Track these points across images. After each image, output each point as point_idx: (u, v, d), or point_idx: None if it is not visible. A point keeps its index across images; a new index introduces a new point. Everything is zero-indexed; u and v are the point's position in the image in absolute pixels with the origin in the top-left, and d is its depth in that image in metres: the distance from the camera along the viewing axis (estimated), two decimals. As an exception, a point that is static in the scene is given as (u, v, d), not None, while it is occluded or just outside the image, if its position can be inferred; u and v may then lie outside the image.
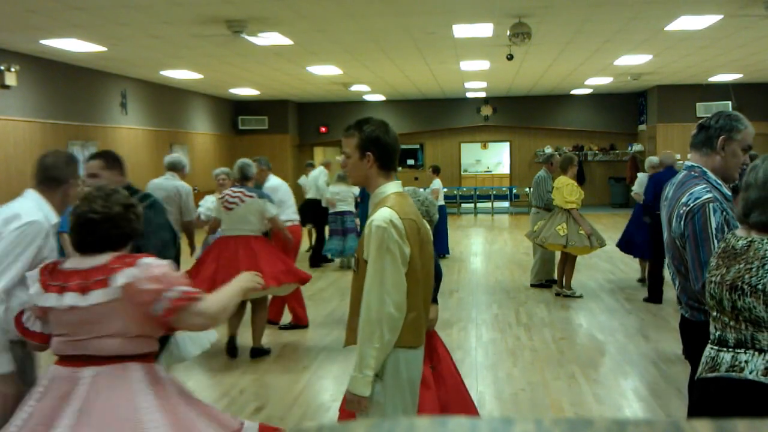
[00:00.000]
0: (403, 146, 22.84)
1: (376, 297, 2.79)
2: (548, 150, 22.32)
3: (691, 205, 3.09)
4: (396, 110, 22.75)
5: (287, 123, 22.25)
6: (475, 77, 17.07)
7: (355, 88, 18.50)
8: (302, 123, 23.29)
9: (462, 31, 10.73)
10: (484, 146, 26.30)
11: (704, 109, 19.74)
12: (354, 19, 9.84)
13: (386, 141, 2.97)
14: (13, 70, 11.42)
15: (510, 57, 11.52)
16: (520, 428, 0.82)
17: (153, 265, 2.73)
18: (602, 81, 18.24)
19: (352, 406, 2.84)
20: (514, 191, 22.73)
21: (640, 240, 9.29)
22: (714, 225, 3.02)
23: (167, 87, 17.33)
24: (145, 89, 16.33)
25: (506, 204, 22.90)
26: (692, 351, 3.34)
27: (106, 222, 2.80)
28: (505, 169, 25.22)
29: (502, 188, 23.50)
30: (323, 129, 23.12)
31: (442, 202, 12.28)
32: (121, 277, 2.66)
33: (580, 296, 9.13)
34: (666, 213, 3.32)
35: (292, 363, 6.55)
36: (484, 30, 10.65)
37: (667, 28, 10.81)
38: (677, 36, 11.50)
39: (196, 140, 19.41)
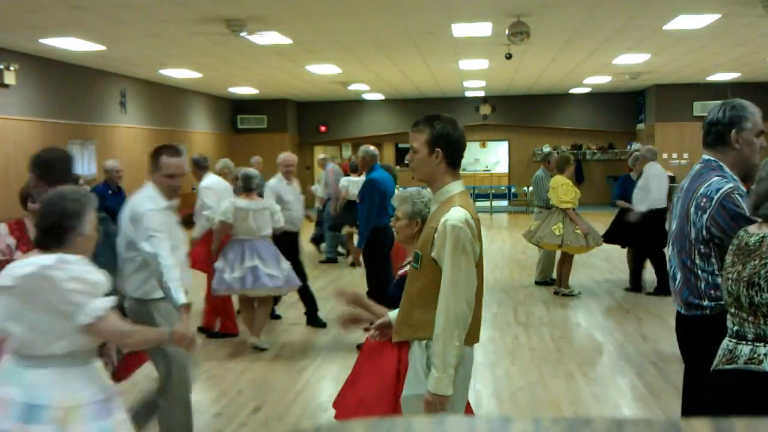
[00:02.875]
0: (403, 145, 22.95)
1: (455, 297, 2.81)
2: (546, 149, 22.34)
3: (714, 196, 3.07)
4: (395, 109, 22.76)
5: (286, 122, 22.25)
6: (474, 76, 17.08)
7: (354, 87, 18.51)
8: (301, 122, 23.29)
9: (461, 30, 10.74)
10: (483, 145, 26.30)
11: (702, 108, 19.79)
12: (353, 19, 9.85)
13: (456, 138, 2.95)
14: (12, 69, 11.42)
15: (509, 56, 11.53)
16: (519, 427, 0.83)
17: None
18: (601, 80, 18.25)
19: (432, 408, 2.81)
20: (513, 190, 22.74)
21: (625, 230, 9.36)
22: (747, 210, 2.92)
23: (166, 86, 17.33)
24: (144, 88, 16.33)
25: (505, 203, 22.91)
26: (688, 347, 3.48)
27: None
28: (503, 168, 25.22)
29: (500, 187, 23.51)
30: (323, 128, 23.12)
31: None
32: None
33: (579, 294, 9.15)
34: (681, 204, 3.27)
35: (291, 363, 6.56)
36: (482, 29, 10.66)
37: (665, 28, 10.82)
38: (675, 35, 11.52)
39: (195, 139, 19.40)
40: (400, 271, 3.73)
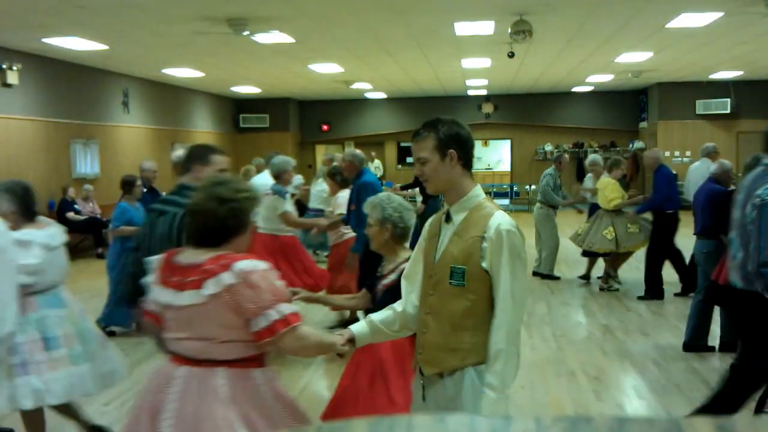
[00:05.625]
0: (404, 144, 22.96)
1: (514, 309, 2.58)
2: (548, 147, 22.35)
3: (766, 198, 3.77)
4: (397, 108, 22.76)
5: (289, 121, 22.26)
6: (477, 75, 17.08)
7: (356, 86, 18.52)
8: (304, 121, 23.30)
9: (463, 28, 10.75)
10: (485, 144, 26.30)
11: (704, 107, 19.78)
12: (356, 17, 9.86)
13: (466, 136, 2.72)
14: (15, 68, 11.45)
15: (511, 54, 11.53)
16: (520, 426, 0.84)
17: (249, 271, 2.54)
18: (603, 78, 18.24)
19: None
20: (515, 189, 22.74)
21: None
22: None
23: (169, 85, 17.35)
24: (146, 88, 16.35)
25: (507, 201, 22.91)
26: (741, 318, 4.30)
27: (200, 215, 2.68)
28: (505, 166, 25.22)
29: (502, 186, 23.51)
30: (325, 127, 23.14)
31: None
32: (213, 285, 2.51)
33: (619, 287, 9.32)
34: (742, 198, 4.02)
35: (293, 362, 6.57)
36: (485, 28, 10.66)
37: (668, 26, 10.82)
38: (678, 33, 11.51)
39: (198, 138, 19.40)
40: (386, 281, 3.69)
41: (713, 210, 6.41)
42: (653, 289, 8.73)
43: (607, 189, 9.02)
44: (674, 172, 9.38)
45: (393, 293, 3.25)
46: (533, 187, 20.55)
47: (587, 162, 9.93)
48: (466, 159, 2.70)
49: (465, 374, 2.65)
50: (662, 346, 6.78)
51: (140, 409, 2.67)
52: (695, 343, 6.49)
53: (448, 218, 2.72)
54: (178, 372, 2.60)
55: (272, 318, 2.52)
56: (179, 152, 7.88)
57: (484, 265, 2.58)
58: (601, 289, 9.29)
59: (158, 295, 2.68)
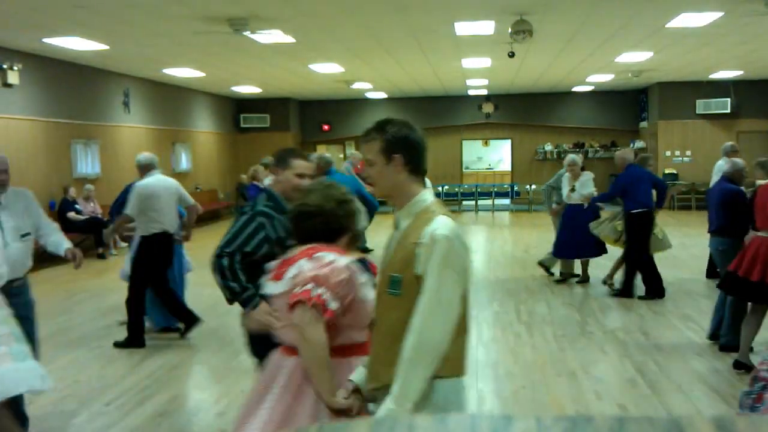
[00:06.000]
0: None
1: (433, 318, 2.38)
2: (548, 147, 22.36)
3: None
4: (398, 108, 22.75)
5: (289, 121, 22.27)
6: (477, 74, 17.09)
7: (357, 85, 18.52)
8: (304, 121, 23.32)
9: (464, 28, 10.76)
10: (486, 143, 26.31)
11: (704, 106, 19.79)
12: (356, 17, 9.87)
13: (415, 140, 2.59)
14: (15, 68, 11.46)
15: (511, 54, 11.55)
16: (521, 426, 0.85)
17: (326, 259, 2.73)
18: (603, 78, 18.25)
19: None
20: (515, 188, 22.75)
21: (581, 241, 9.34)
22: None
23: (169, 85, 17.36)
24: (147, 88, 16.36)
25: (507, 201, 22.91)
26: None
27: (320, 216, 2.91)
28: (506, 166, 25.22)
29: (503, 185, 23.51)
30: (326, 127, 23.15)
31: None
32: (293, 269, 2.73)
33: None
34: None
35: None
36: (485, 27, 10.67)
37: (668, 25, 10.82)
38: (678, 33, 11.52)
39: (198, 138, 19.44)
40: None
41: (726, 208, 6.60)
42: (653, 288, 8.75)
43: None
44: (660, 175, 9.42)
45: None
46: (534, 186, 20.56)
47: (565, 162, 9.83)
48: (415, 164, 2.56)
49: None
50: (663, 346, 6.79)
51: (252, 396, 2.83)
52: (733, 343, 6.26)
53: (397, 225, 2.60)
54: (286, 362, 2.78)
55: (306, 288, 2.63)
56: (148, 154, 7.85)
57: (418, 271, 2.43)
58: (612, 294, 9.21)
59: (267, 288, 2.94)
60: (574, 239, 9.42)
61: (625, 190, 8.75)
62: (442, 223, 2.43)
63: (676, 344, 6.73)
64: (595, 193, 9.52)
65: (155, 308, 7.46)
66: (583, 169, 9.64)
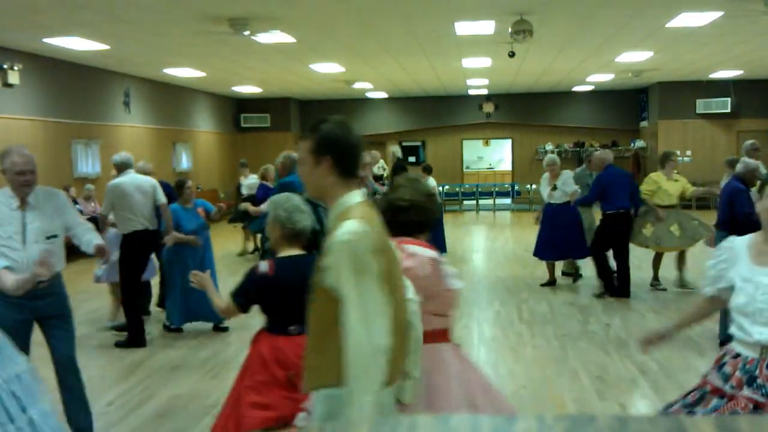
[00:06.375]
0: (405, 143, 22.94)
1: (365, 329, 2.28)
2: (549, 147, 22.36)
3: None
4: (398, 107, 22.77)
5: (289, 121, 22.28)
6: (477, 74, 17.09)
7: (357, 85, 18.53)
8: (305, 121, 23.31)
9: (464, 28, 10.76)
10: (486, 143, 26.32)
11: (704, 106, 19.79)
12: (357, 17, 9.87)
13: (347, 143, 2.49)
14: (16, 68, 11.46)
15: (512, 54, 11.55)
16: (523, 425, 0.86)
17: (410, 251, 2.94)
18: (603, 78, 18.25)
19: None
20: (516, 188, 22.75)
21: (563, 241, 9.26)
22: None
23: (170, 85, 17.37)
24: (148, 87, 16.37)
25: (508, 201, 22.92)
26: None
27: (412, 209, 3.11)
28: (506, 165, 25.24)
29: (504, 185, 23.51)
30: (325, 126, 23.15)
31: (438, 201, 11.91)
32: None
33: (664, 289, 9.29)
34: None
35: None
36: (485, 27, 10.68)
37: (668, 25, 10.82)
38: (678, 32, 11.52)
39: (199, 138, 19.44)
40: None
41: (729, 206, 6.87)
42: (611, 286, 8.97)
43: (645, 182, 9.10)
44: (626, 174, 9.33)
45: None
46: (534, 186, 20.55)
47: (545, 162, 9.78)
48: (345, 166, 2.46)
49: (314, 397, 2.49)
50: (664, 346, 6.78)
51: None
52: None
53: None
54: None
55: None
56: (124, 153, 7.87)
57: (326, 281, 2.36)
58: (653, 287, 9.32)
59: None
60: (555, 240, 9.32)
61: (604, 191, 8.83)
62: (346, 227, 2.33)
63: (677, 343, 6.73)
64: (579, 190, 9.50)
65: (175, 308, 7.49)
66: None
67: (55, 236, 4.53)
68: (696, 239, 8.87)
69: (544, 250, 9.58)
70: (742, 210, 6.56)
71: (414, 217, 3.12)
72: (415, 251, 2.97)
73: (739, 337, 3.05)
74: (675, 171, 9.33)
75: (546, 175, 9.65)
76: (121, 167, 7.46)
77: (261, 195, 10.35)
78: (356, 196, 2.46)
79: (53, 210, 4.55)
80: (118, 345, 7.11)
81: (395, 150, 12.81)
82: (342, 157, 2.45)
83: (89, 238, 4.74)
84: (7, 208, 4.38)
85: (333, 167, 2.44)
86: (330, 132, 2.47)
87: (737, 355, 3.06)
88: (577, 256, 9.61)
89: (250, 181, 13.33)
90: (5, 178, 4.41)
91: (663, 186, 8.99)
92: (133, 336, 7.11)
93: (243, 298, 3.69)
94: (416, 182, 3.24)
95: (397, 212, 3.09)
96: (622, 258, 8.87)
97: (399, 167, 11.88)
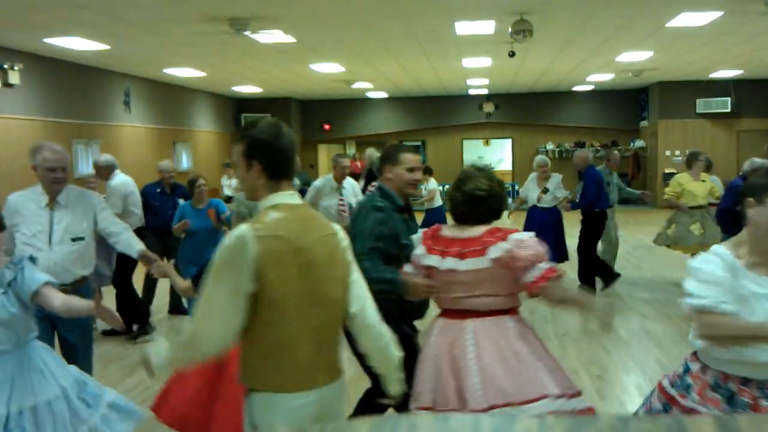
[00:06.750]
0: (405, 143, 22.96)
1: (202, 326, 2.38)
2: (550, 146, 22.36)
3: None
4: (398, 107, 22.77)
5: (290, 121, 22.27)
6: (477, 74, 17.09)
7: (357, 85, 18.53)
8: (305, 121, 23.33)
9: (464, 28, 10.76)
10: (486, 143, 26.31)
11: (705, 106, 19.79)
12: (357, 17, 9.88)
13: (276, 147, 2.53)
14: (16, 68, 11.46)
15: (512, 54, 11.55)
16: (523, 425, 0.86)
17: (523, 239, 3.17)
18: (604, 77, 18.25)
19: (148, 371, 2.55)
20: (516, 188, 22.75)
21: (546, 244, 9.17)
22: None
23: (170, 85, 17.37)
24: (148, 87, 16.37)
25: (509, 200, 22.94)
26: None
27: (490, 198, 3.34)
28: (507, 165, 25.24)
29: (504, 184, 23.53)
30: (326, 126, 23.16)
31: (440, 202, 11.66)
32: (495, 251, 3.13)
33: None
34: None
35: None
36: (485, 27, 10.68)
37: (668, 25, 10.82)
38: (678, 32, 11.52)
39: (199, 138, 19.44)
40: None
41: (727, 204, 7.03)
42: (607, 278, 9.08)
43: (691, 185, 9.04)
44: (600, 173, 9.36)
45: None
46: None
47: (536, 163, 9.68)
48: (274, 170, 2.52)
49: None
50: (665, 345, 6.80)
51: (437, 362, 3.18)
52: None
53: None
54: (466, 324, 3.17)
55: (542, 268, 3.13)
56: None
57: None
58: None
59: (426, 260, 3.29)
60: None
61: (598, 189, 8.95)
62: (232, 232, 2.42)
63: (678, 343, 6.74)
64: (569, 195, 9.47)
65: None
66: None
67: (81, 239, 4.38)
68: (715, 242, 8.88)
69: None
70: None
71: (493, 205, 3.35)
72: (530, 237, 3.23)
73: (749, 357, 2.74)
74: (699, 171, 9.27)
75: (533, 175, 9.51)
76: (110, 169, 7.73)
77: None
78: (275, 199, 2.50)
79: (83, 211, 4.40)
80: (132, 338, 7.26)
81: (371, 153, 11.52)
82: (271, 162, 2.51)
83: (127, 238, 4.60)
84: (36, 206, 4.22)
85: (263, 171, 2.50)
86: (259, 137, 2.52)
87: (745, 381, 2.78)
88: (556, 259, 9.19)
89: (234, 182, 13.08)
90: (36, 175, 4.25)
91: (687, 187, 8.95)
92: (141, 324, 7.38)
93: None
94: (486, 171, 3.45)
95: (477, 202, 3.31)
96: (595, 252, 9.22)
97: (371, 173, 10.27)
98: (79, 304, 3.49)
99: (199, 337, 2.37)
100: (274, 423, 2.39)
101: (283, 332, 2.40)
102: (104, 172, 7.73)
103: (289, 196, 2.54)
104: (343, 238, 2.69)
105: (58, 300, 3.38)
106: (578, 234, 9.21)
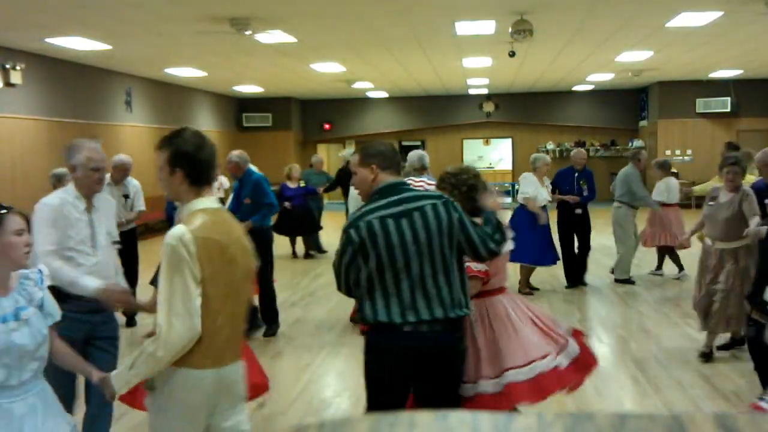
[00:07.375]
0: (405, 143, 22.97)
1: (166, 322, 2.63)
2: (550, 146, 22.37)
3: None
4: (398, 107, 22.80)
5: (291, 120, 22.31)
6: (478, 74, 17.12)
7: (358, 85, 18.56)
8: (306, 120, 23.35)
9: (464, 28, 10.79)
10: (486, 142, 26.32)
11: (704, 105, 19.81)
12: (357, 17, 9.90)
13: (198, 157, 2.79)
14: (18, 68, 11.49)
15: (512, 54, 11.58)
16: (522, 423, 0.89)
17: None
18: (603, 77, 18.28)
19: (108, 392, 2.83)
20: (516, 187, 22.78)
21: (535, 245, 8.78)
22: None
23: (172, 85, 17.40)
24: (149, 87, 16.40)
25: (509, 200, 22.93)
26: None
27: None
28: (507, 165, 25.26)
29: (504, 184, 23.53)
30: (327, 126, 23.19)
31: None
32: None
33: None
34: None
35: (294, 359, 6.62)
36: (486, 27, 10.70)
37: (667, 25, 10.85)
38: (678, 32, 11.55)
39: (200, 137, 19.45)
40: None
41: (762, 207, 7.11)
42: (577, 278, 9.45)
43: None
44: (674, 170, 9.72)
45: None
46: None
47: (539, 161, 9.37)
48: (196, 176, 2.79)
49: None
50: (664, 343, 6.82)
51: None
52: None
53: None
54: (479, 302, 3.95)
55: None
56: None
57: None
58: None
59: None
60: (532, 242, 8.67)
61: (593, 186, 9.67)
62: (175, 230, 2.67)
63: (677, 342, 6.76)
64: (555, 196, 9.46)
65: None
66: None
67: (117, 241, 4.25)
68: None
69: (518, 252, 8.93)
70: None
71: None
72: None
73: None
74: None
75: (531, 175, 9.11)
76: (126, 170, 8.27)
77: (289, 194, 11.57)
78: (199, 204, 2.78)
79: (110, 211, 4.24)
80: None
81: (346, 154, 11.27)
82: (193, 170, 2.78)
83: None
84: (76, 211, 3.88)
85: (185, 177, 2.77)
86: (182, 148, 2.78)
87: None
88: (545, 263, 9.16)
89: (221, 180, 12.25)
90: (72, 176, 3.95)
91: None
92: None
93: None
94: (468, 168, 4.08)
95: (476, 192, 3.92)
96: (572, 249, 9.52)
97: (345, 173, 10.09)
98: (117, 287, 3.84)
99: (171, 332, 2.62)
100: (183, 393, 2.73)
101: (210, 321, 2.70)
102: (123, 171, 8.14)
103: (210, 201, 2.85)
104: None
105: (93, 283, 3.66)
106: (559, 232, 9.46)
